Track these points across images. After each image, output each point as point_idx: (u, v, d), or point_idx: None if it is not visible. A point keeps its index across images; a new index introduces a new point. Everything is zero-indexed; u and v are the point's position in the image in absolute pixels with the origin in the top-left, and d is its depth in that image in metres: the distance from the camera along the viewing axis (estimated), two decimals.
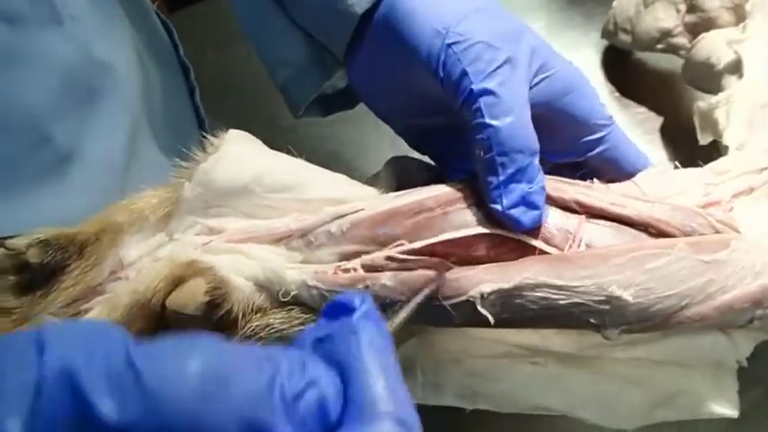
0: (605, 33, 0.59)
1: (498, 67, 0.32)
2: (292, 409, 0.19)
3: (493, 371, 0.36)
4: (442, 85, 0.34)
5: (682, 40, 0.52)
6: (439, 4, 0.34)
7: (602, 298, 0.31)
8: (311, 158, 0.37)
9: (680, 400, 0.34)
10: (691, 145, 0.48)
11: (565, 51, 0.64)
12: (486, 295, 0.31)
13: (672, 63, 0.57)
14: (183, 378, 0.18)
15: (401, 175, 0.40)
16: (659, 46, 0.55)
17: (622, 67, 0.62)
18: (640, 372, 0.34)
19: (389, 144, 0.51)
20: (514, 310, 0.31)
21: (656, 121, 0.59)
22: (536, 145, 0.33)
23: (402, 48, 0.35)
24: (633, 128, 0.58)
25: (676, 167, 0.37)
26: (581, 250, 0.32)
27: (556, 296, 0.31)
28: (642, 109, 0.59)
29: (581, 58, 0.63)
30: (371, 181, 0.39)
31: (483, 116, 0.32)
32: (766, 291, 0.31)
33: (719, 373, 0.33)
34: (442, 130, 0.39)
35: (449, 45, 0.33)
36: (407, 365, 0.35)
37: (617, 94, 0.61)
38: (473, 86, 0.32)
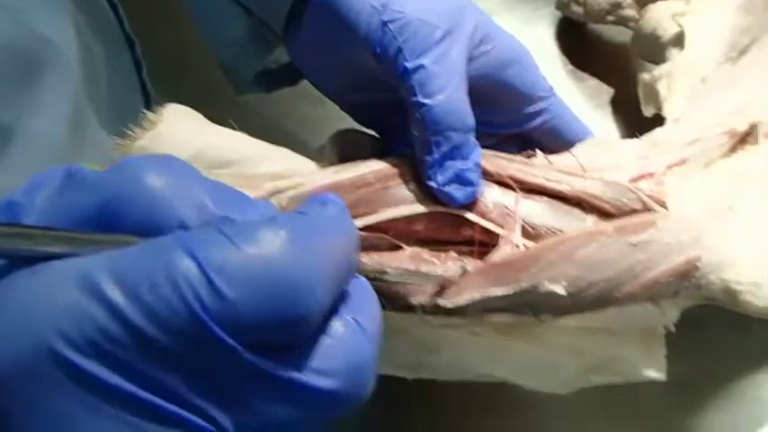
0: (559, 5, 0.60)
1: (434, 44, 0.33)
2: None
3: (435, 341, 0.36)
4: (380, 62, 0.34)
5: (631, 11, 0.53)
6: None
7: (538, 294, 0.32)
8: (264, 135, 0.37)
9: (612, 365, 0.35)
10: (640, 117, 0.49)
11: (520, 24, 0.65)
12: (427, 308, 0.32)
13: (625, 35, 0.57)
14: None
15: (347, 149, 0.40)
16: (610, 18, 0.55)
17: (577, 39, 0.62)
18: (575, 340, 0.35)
19: (346, 119, 0.51)
20: (452, 313, 0.32)
21: (608, 93, 0.59)
22: (471, 122, 0.33)
23: (340, 25, 0.35)
24: (585, 100, 0.59)
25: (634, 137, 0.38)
26: (516, 252, 0.32)
27: (495, 302, 0.32)
28: (594, 81, 0.60)
29: (536, 30, 0.63)
30: (315, 155, 0.39)
31: (416, 94, 0.32)
32: (690, 264, 0.32)
33: (649, 340, 0.34)
34: (386, 105, 0.39)
35: (385, 23, 0.33)
36: None
37: (571, 66, 0.61)
38: (407, 64, 0.32)
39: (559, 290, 0.31)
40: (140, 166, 0.21)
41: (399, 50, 0.33)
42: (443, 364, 0.37)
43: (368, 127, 0.43)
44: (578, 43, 0.61)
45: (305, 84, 0.45)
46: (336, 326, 0.22)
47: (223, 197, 0.22)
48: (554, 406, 0.46)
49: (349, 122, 0.44)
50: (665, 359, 0.35)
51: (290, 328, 0.20)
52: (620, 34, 0.59)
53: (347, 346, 0.22)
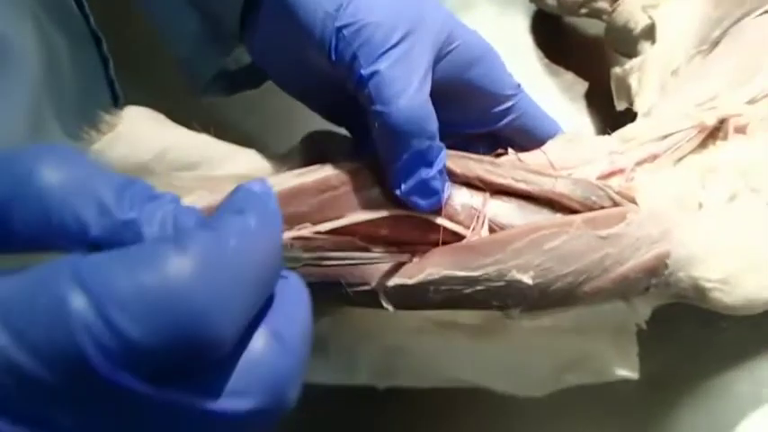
0: None
1: (390, 48, 0.31)
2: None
3: (405, 348, 0.36)
4: (336, 70, 0.33)
5: (604, 4, 0.52)
6: None
7: (503, 283, 0.31)
8: (230, 135, 0.36)
9: (584, 365, 0.35)
10: (615, 110, 0.49)
11: (494, 16, 0.64)
12: (388, 289, 0.31)
13: (600, 28, 0.57)
14: None
15: (317, 150, 0.39)
16: (583, 10, 0.54)
17: (551, 32, 0.61)
18: (546, 340, 0.35)
19: (315, 118, 0.51)
20: (418, 300, 0.32)
21: (583, 86, 0.59)
22: (433, 127, 0.32)
23: (295, 30, 0.33)
24: (560, 93, 0.58)
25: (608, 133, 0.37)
26: (483, 236, 0.32)
27: (459, 286, 0.31)
28: (569, 75, 0.59)
29: (510, 22, 0.62)
30: (284, 157, 0.38)
31: (374, 102, 0.31)
32: (660, 260, 0.32)
33: (620, 338, 0.34)
34: (352, 105, 0.38)
35: (339, 28, 0.32)
36: (320, 346, 0.35)
37: (546, 60, 0.61)
38: (362, 71, 0.31)
39: (527, 279, 0.30)
40: (33, 159, 0.19)
41: (354, 57, 0.31)
42: (413, 370, 0.36)
43: (338, 125, 0.42)
44: (553, 36, 0.61)
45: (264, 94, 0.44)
46: (255, 341, 0.21)
47: (127, 195, 0.21)
48: (529, 405, 0.45)
49: (318, 121, 0.44)
50: (637, 357, 0.34)
51: (200, 357, 0.19)
52: (595, 27, 0.59)
53: (266, 363, 0.20)
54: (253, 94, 0.47)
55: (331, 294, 0.31)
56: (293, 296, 0.23)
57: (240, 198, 0.22)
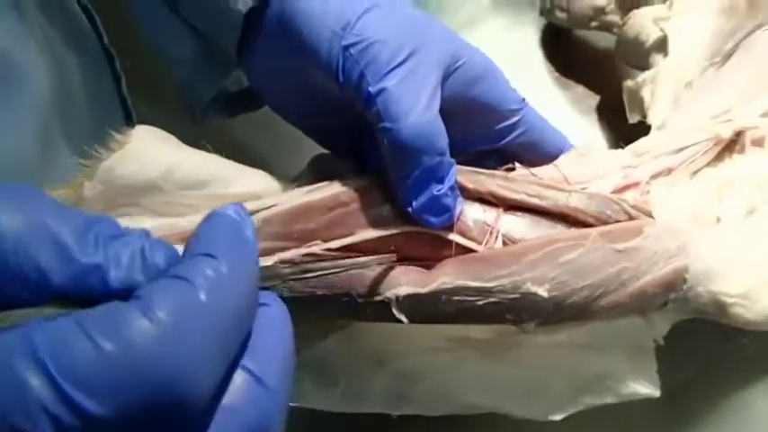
0: (543, 11, 0.59)
1: (397, 66, 0.31)
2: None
3: (417, 370, 0.35)
4: (343, 89, 0.32)
5: (614, 17, 0.52)
6: (335, 3, 0.32)
7: (518, 296, 0.30)
8: (239, 156, 0.35)
9: (602, 384, 0.34)
10: (627, 124, 0.48)
11: (504, 30, 0.64)
12: (401, 298, 0.30)
13: (611, 41, 0.56)
14: None
15: (326, 172, 0.39)
16: (594, 24, 0.54)
17: (562, 45, 0.61)
18: (562, 360, 0.34)
19: None
20: (430, 312, 0.31)
21: (594, 99, 0.58)
22: (443, 143, 0.31)
23: (298, 52, 0.33)
24: (571, 107, 0.58)
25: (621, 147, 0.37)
26: (497, 248, 0.32)
27: (473, 298, 0.31)
28: (580, 88, 0.59)
29: (521, 36, 0.62)
30: (294, 179, 0.38)
31: (382, 119, 0.31)
32: (678, 273, 0.31)
33: (639, 354, 0.33)
34: (354, 129, 0.38)
35: (345, 47, 0.31)
36: (326, 374, 0.35)
37: (556, 73, 0.60)
38: (370, 89, 0.31)
39: (542, 292, 0.29)
40: None
41: (362, 75, 0.31)
42: (426, 395, 0.35)
43: (337, 152, 0.40)
44: (563, 50, 0.60)
45: (266, 117, 0.43)
46: (233, 386, 0.20)
47: (91, 236, 0.20)
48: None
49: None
50: (657, 375, 0.34)
51: (173, 422, 0.18)
52: (605, 40, 0.58)
53: (246, 408, 0.20)
54: (263, 115, 0.47)
55: (339, 308, 0.30)
56: (273, 328, 0.22)
57: (213, 231, 0.21)
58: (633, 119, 0.45)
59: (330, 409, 0.34)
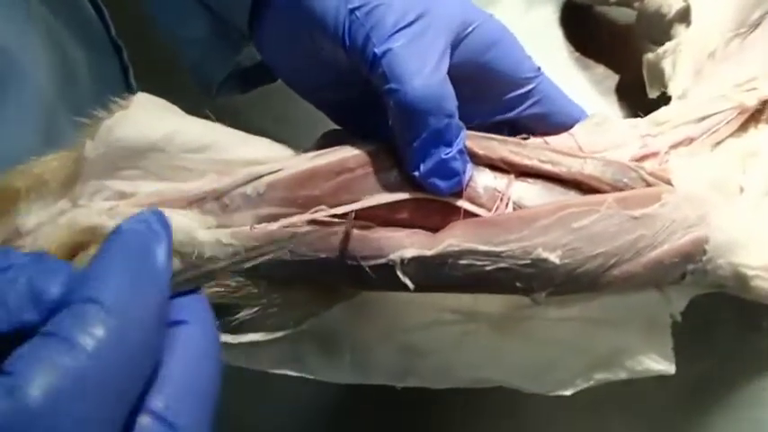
0: None
1: (403, 28, 0.30)
2: None
3: (424, 344, 0.34)
4: (349, 54, 0.31)
5: None
6: None
7: (528, 262, 0.29)
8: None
9: (616, 359, 0.32)
10: (647, 104, 0.47)
11: (524, 8, 0.63)
12: (406, 261, 0.29)
13: (630, 17, 0.55)
14: None
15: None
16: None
17: (582, 24, 0.60)
18: (574, 334, 0.33)
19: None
20: (437, 278, 0.30)
21: (614, 79, 0.57)
22: (451, 105, 0.30)
23: (305, 19, 0.32)
24: (591, 87, 0.56)
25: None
26: (507, 212, 0.30)
27: (481, 262, 0.29)
28: (600, 68, 0.57)
29: (540, 16, 0.60)
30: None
31: (388, 80, 0.30)
32: (698, 243, 0.30)
33: (654, 330, 0.32)
34: (364, 102, 0.37)
35: (351, 10, 0.31)
36: (334, 345, 0.34)
37: (576, 53, 0.59)
38: (375, 50, 0.30)
39: (553, 258, 0.28)
40: None
41: (367, 37, 0.30)
42: (433, 369, 0.34)
43: (348, 126, 0.40)
44: (583, 29, 0.59)
45: (278, 93, 0.42)
46: None
47: None
48: (558, 408, 0.44)
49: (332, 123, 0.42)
50: (672, 351, 0.32)
51: None
52: (625, 17, 0.57)
53: None
54: (277, 102, 0.46)
55: (343, 273, 0.29)
56: (189, 353, 0.20)
57: (108, 262, 0.19)
58: (653, 93, 0.43)
59: (337, 380, 0.33)
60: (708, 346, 0.44)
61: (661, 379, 0.44)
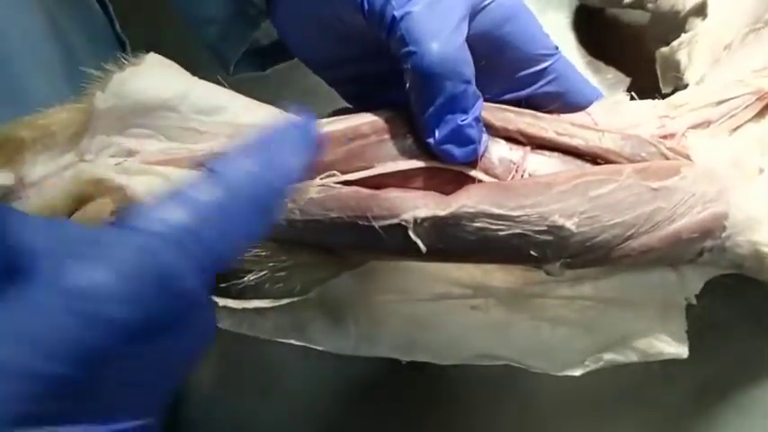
0: None
1: None
2: None
3: (432, 318, 0.33)
4: (367, 18, 0.31)
5: None
6: None
7: (544, 228, 0.29)
8: None
9: (628, 342, 0.32)
10: None
11: (535, 12, 0.63)
12: (419, 221, 0.28)
13: (644, 20, 0.55)
14: None
15: None
16: (627, 1, 0.53)
17: (594, 27, 0.60)
18: (587, 314, 0.32)
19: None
20: (450, 241, 0.29)
21: (626, 83, 0.57)
22: (469, 71, 0.30)
23: None
24: (603, 90, 0.56)
25: (633, 99, 0.35)
26: (524, 178, 0.30)
27: (495, 226, 0.29)
28: (612, 72, 0.57)
29: (552, 20, 0.61)
30: None
31: (406, 43, 0.29)
32: (717, 219, 0.29)
33: (668, 313, 0.31)
34: (377, 78, 0.36)
35: None
36: (339, 315, 0.33)
37: (589, 57, 0.59)
38: (395, 12, 0.30)
39: (570, 225, 0.27)
40: None
41: (386, 1, 0.30)
42: (439, 343, 0.34)
43: (359, 105, 0.39)
44: (596, 32, 0.59)
45: (296, 71, 0.42)
46: None
47: None
48: (567, 407, 0.43)
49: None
50: (686, 335, 0.31)
51: None
52: (638, 20, 0.57)
53: None
54: (288, 75, 0.46)
55: (354, 235, 0.29)
56: None
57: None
58: (667, 88, 0.43)
59: (341, 351, 0.32)
60: (719, 349, 0.44)
61: (671, 380, 0.44)
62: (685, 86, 0.37)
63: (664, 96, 0.42)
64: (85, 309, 0.18)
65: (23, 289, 0.19)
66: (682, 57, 0.40)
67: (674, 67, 0.41)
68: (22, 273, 0.19)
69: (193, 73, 0.33)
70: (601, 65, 0.58)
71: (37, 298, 0.18)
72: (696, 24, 0.41)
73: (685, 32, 0.43)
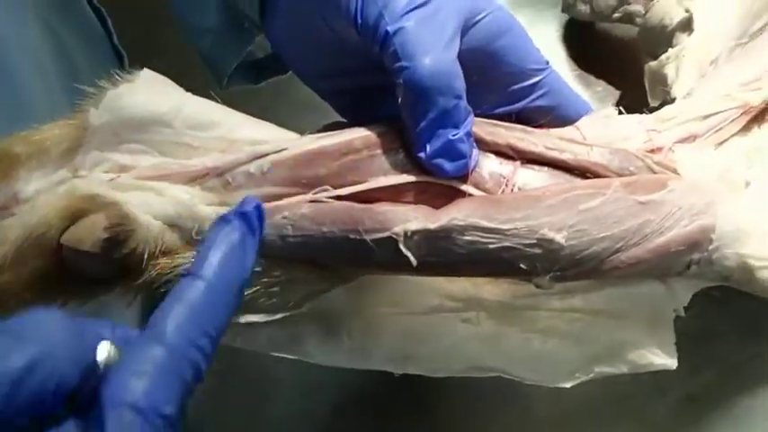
0: (565, 6, 0.58)
1: (415, 8, 0.30)
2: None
3: (424, 331, 0.34)
4: (360, 33, 0.31)
5: (637, 6, 0.51)
6: None
7: (534, 241, 0.29)
8: None
9: (618, 353, 0.32)
10: None
11: (525, 27, 0.64)
12: (410, 234, 0.29)
13: (633, 34, 0.56)
14: None
15: None
16: (616, 15, 0.53)
17: (584, 41, 0.60)
18: (577, 326, 0.32)
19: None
20: (441, 254, 0.29)
21: (615, 96, 0.57)
22: (460, 86, 0.30)
23: (319, 1, 0.33)
24: (593, 104, 0.57)
25: (621, 113, 0.35)
26: (514, 192, 0.30)
27: (485, 239, 0.29)
28: (602, 85, 0.58)
29: (542, 33, 0.61)
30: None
31: (399, 58, 0.30)
32: (705, 232, 0.30)
33: (657, 324, 0.32)
34: (370, 92, 0.37)
35: None
36: (333, 329, 0.33)
37: (578, 70, 0.59)
38: (388, 27, 0.30)
39: (559, 238, 0.28)
40: None
41: (380, 15, 0.30)
42: (432, 355, 0.34)
43: (353, 117, 0.39)
44: (585, 46, 0.60)
45: (288, 83, 0.43)
46: None
47: None
48: (559, 417, 0.43)
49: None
50: (674, 346, 0.32)
51: None
52: (627, 34, 0.58)
53: None
54: (281, 88, 0.46)
55: (346, 249, 0.29)
56: None
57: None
58: (655, 102, 0.44)
59: (334, 364, 0.32)
60: (708, 357, 0.44)
61: (661, 389, 0.44)
62: (673, 100, 0.38)
63: (651, 110, 0.43)
64: None
65: None
66: (669, 71, 0.40)
67: (661, 81, 0.41)
68: None
69: (188, 87, 0.34)
70: (590, 78, 0.59)
71: None
72: (683, 39, 0.42)
73: (673, 47, 0.44)
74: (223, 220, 0.26)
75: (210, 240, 0.25)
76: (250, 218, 0.26)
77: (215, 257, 0.25)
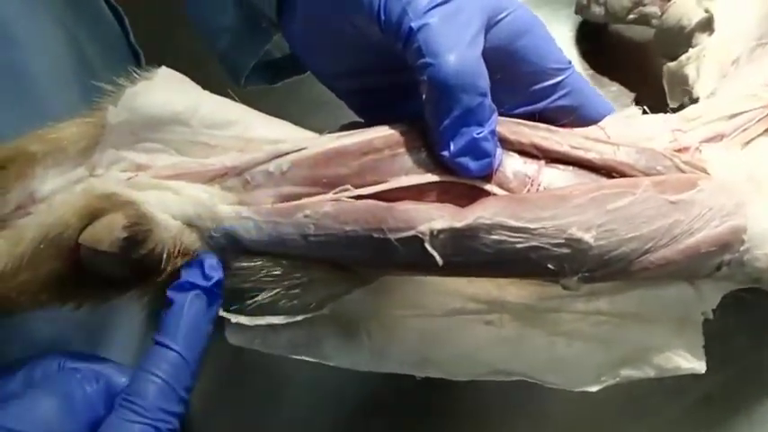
0: (578, 8, 0.58)
1: (439, 5, 0.30)
2: None
3: (445, 334, 0.33)
4: (383, 29, 0.31)
5: (653, 8, 0.51)
6: None
7: (562, 241, 0.28)
8: None
9: (645, 357, 0.31)
10: None
11: None
12: (435, 233, 0.28)
13: (647, 36, 0.55)
14: None
15: None
16: (631, 16, 0.53)
17: (597, 42, 0.60)
18: (602, 329, 0.32)
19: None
20: (467, 253, 0.29)
21: (629, 97, 0.57)
22: (484, 84, 0.30)
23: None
24: None
25: (645, 113, 0.35)
26: (541, 191, 0.30)
27: (512, 239, 0.28)
28: (616, 86, 0.58)
29: (555, 35, 0.60)
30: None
31: (423, 54, 0.29)
32: (736, 233, 0.29)
33: (685, 327, 0.31)
34: (389, 91, 0.36)
35: None
36: (353, 331, 0.33)
37: (591, 71, 0.59)
38: (412, 24, 0.29)
39: (588, 238, 0.27)
40: None
41: (404, 12, 0.30)
42: (453, 358, 0.33)
43: (371, 117, 0.38)
44: (598, 47, 0.59)
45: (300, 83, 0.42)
46: None
47: None
48: (576, 416, 0.43)
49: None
50: (703, 350, 0.31)
51: None
52: (640, 36, 0.57)
53: None
54: (298, 88, 0.46)
55: (369, 249, 0.28)
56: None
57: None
58: (674, 102, 0.43)
59: (354, 367, 0.32)
60: (726, 358, 0.43)
61: (679, 390, 0.44)
62: (695, 100, 0.37)
63: (667, 111, 0.42)
64: None
65: None
66: (690, 71, 0.40)
67: (682, 82, 0.41)
68: None
69: (204, 86, 0.33)
70: (604, 79, 0.58)
71: None
72: (703, 39, 0.41)
73: (692, 47, 0.43)
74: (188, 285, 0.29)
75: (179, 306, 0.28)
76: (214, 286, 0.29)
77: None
